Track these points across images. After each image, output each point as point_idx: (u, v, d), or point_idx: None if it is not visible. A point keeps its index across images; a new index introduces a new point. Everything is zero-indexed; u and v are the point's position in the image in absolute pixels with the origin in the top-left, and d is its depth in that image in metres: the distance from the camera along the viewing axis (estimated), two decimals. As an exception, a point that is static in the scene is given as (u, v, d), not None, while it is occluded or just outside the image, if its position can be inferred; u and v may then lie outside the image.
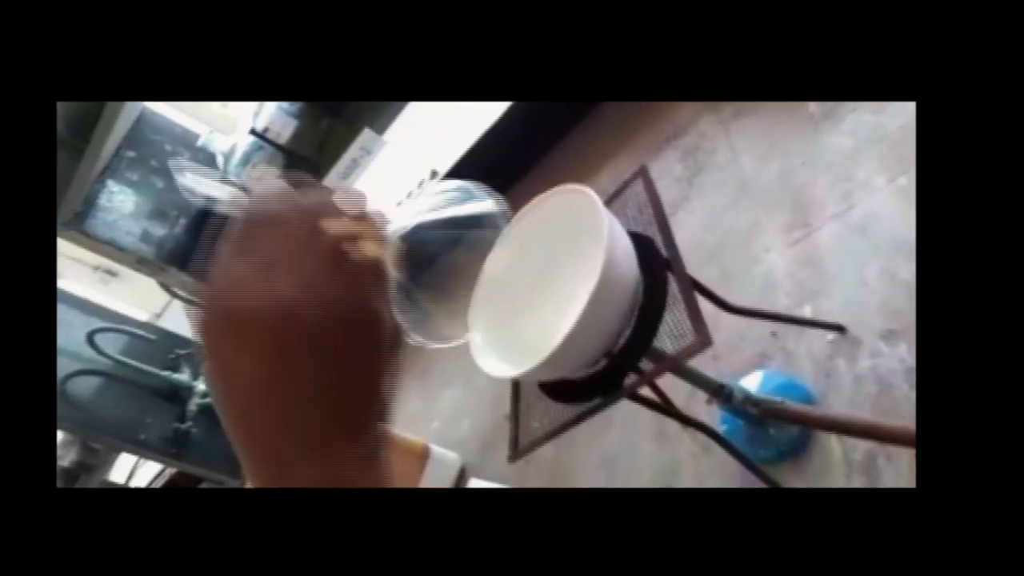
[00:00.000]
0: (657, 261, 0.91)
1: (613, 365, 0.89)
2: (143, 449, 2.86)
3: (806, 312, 1.30)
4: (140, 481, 3.64)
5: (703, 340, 0.80)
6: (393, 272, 0.35)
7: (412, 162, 2.13)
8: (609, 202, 1.06)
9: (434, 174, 2.37)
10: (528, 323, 0.96)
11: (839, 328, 1.22)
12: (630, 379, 0.91)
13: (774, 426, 1.19)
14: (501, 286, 0.96)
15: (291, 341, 0.30)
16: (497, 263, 0.95)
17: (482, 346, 0.95)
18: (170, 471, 3.28)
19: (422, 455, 1.85)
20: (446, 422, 2.10)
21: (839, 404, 1.17)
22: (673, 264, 0.90)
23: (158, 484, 3.32)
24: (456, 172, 2.29)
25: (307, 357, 0.30)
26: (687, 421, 1.09)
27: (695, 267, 1.11)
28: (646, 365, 0.91)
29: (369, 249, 0.32)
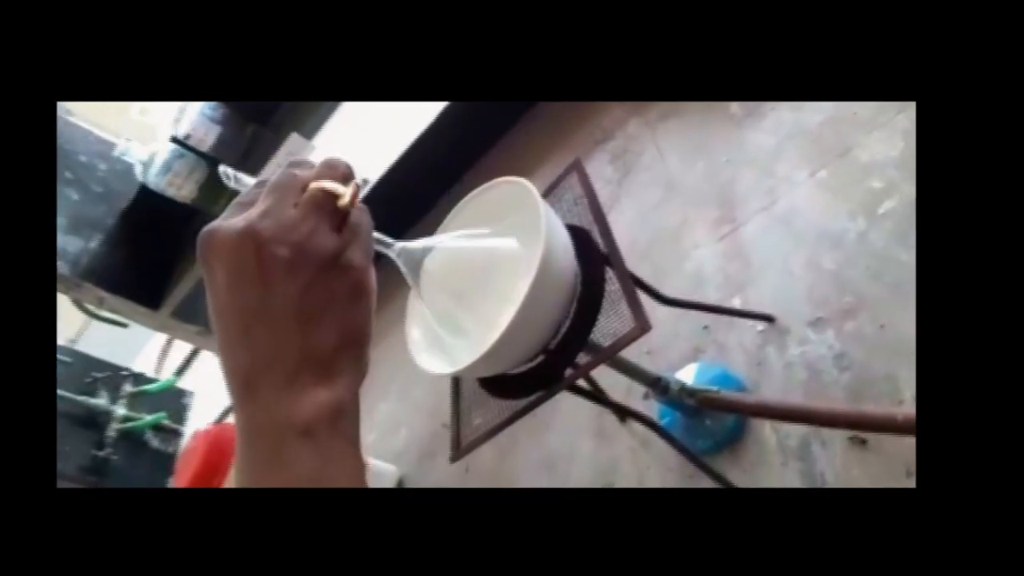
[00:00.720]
0: (594, 253, 0.92)
1: (552, 358, 0.89)
2: (60, 479, 2.68)
3: (735, 303, 1.34)
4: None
5: (642, 325, 0.80)
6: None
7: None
8: (546, 195, 1.06)
9: (365, 182, 2.33)
10: (466, 318, 0.95)
11: (768, 318, 1.25)
12: (569, 372, 0.91)
13: (710, 416, 1.21)
14: (439, 281, 0.94)
15: (247, 255, 0.34)
16: (435, 258, 0.94)
17: (420, 344, 0.93)
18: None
19: (359, 467, 1.80)
20: (382, 434, 2.06)
21: (771, 392, 1.20)
22: (611, 256, 0.90)
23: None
24: (390, 176, 2.27)
25: (262, 274, 0.34)
26: (626, 412, 1.10)
27: (628, 265, 1.12)
28: (585, 358, 0.91)
29: (345, 200, 0.36)
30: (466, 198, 0.99)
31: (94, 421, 2.81)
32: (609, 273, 0.93)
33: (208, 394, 3.04)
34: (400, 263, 0.55)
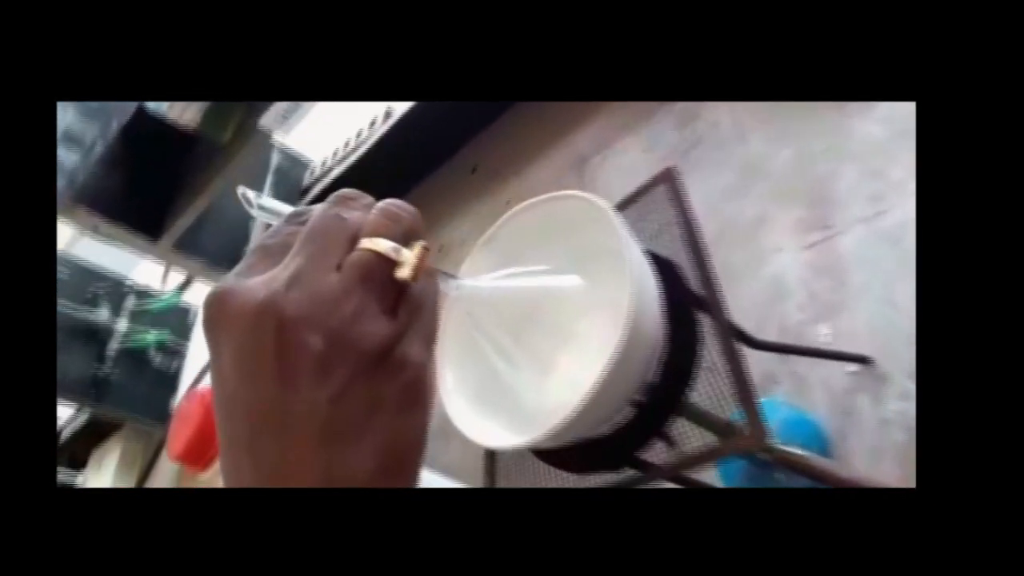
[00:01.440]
0: (685, 299, 0.72)
1: (628, 433, 0.71)
2: (59, 393, 2.59)
3: (821, 332, 1.14)
4: (60, 412, 3.37)
5: (758, 436, 0.61)
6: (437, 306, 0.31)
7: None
8: (622, 207, 0.84)
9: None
10: (514, 369, 0.76)
11: (864, 360, 1.05)
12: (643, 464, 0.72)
13: (784, 472, 1.04)
14: (477, 318, 0.75)
15: (266, 339, 0.25)
16: (465, 287, 0.73)
17: (456, 395, 0.74)
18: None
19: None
20: (395, 399, 1.91)
21: (859, 450, 1.02)
22: (711, 306, 0.70)
23: (79, 421, 3.07)
24: (364, 160, 2.07)
25: (283, 369, 0.25)
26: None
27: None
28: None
29: (405, 271, 0.28)
30: (522, 206, 0.78)
31: (95, 336, 2.69)
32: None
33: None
34: (458, 302, 0.49)
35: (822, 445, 1.08)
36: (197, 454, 1.41)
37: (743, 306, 1.22)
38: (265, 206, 0.41)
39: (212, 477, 1.45)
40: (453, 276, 0.66)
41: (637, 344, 0.66)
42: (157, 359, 2.85)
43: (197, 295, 2.95)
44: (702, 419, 0.80)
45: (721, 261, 1.29)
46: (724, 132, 1.49)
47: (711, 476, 1.03)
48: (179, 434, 1.42)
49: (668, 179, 0.79)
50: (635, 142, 1.66)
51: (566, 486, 0.81)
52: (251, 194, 0.44)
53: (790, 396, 1.13)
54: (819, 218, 1.23)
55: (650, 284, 0.69)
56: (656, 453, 0.76)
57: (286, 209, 0.40)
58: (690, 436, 0.79)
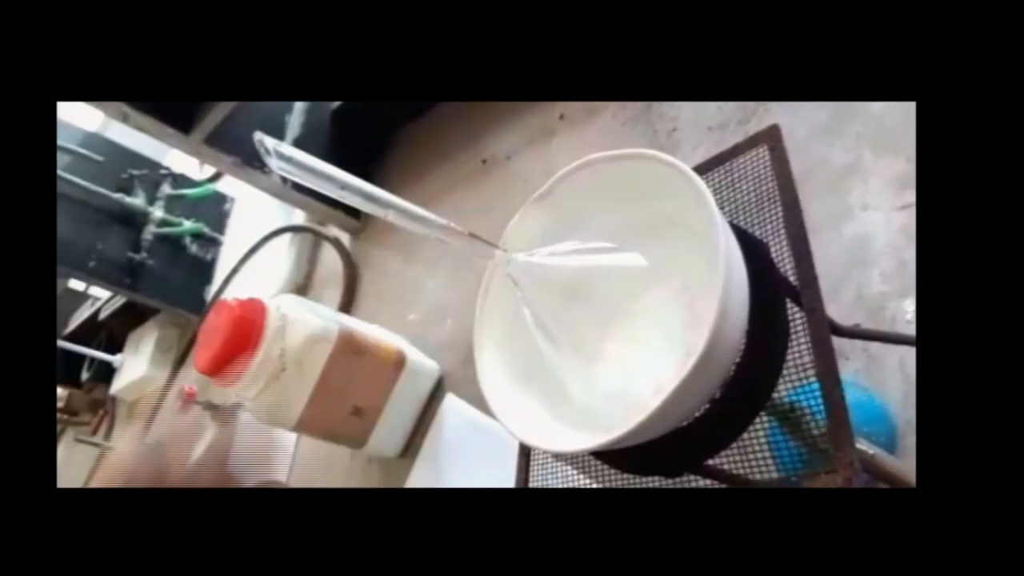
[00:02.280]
0: (777, 289, 0.60)
1: (696, 436, 0.61)
2: (93, 278, 2.59)
3: (906, 307, 1.01)
4: (98, 292, 3.42)
5: (846, 476, 0.51)
6: None
7: None
8: (703, 171, 0.71)
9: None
10: (562, 352, 0.66)
11: (954, 347, 0.93)
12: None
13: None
14: (526, 294, 0.64)
15: None
16: (516, 262, 0.62)
17: (496, 383, 0.65)
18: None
19: (397, 363, 1.60)
20: (426, 319, 1.84)
21: (932, 445, 0.92)
22: (806, 308, 0.58)
23: (116, 303, 3.10)
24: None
25: None
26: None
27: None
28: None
29: None
30: (583, 161, 0.66)
31: (130, 221, 2.65)
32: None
33: (249, 200, 2.83)
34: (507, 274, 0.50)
35: (889, 434, 0.98)
36: (224, 369, 1.36)
37: (818, 265, 1.09)
38: (284, 154, 0.38)
39: (239, 391, 1.41)
40: (503, 249, 0.55)
41: (721, 344, 0.55)
42: (193, 247, 2.82)
43: (232, 186, 2.88)
44: (774, 412, 0.70)
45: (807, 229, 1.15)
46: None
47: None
48: (205, 347, 1.37)
49: (771, 140, 0.65)
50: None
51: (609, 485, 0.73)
52: (268, 142, 0.40)
53: (860, 376, 1.02)
54: (921, 174, 1.07)
55: (740, 274, 0.57)
56: (722, 460, 0.67)
57: (310, 161, 0.39)
58: (759, 437, 0.70)
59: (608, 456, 0.66)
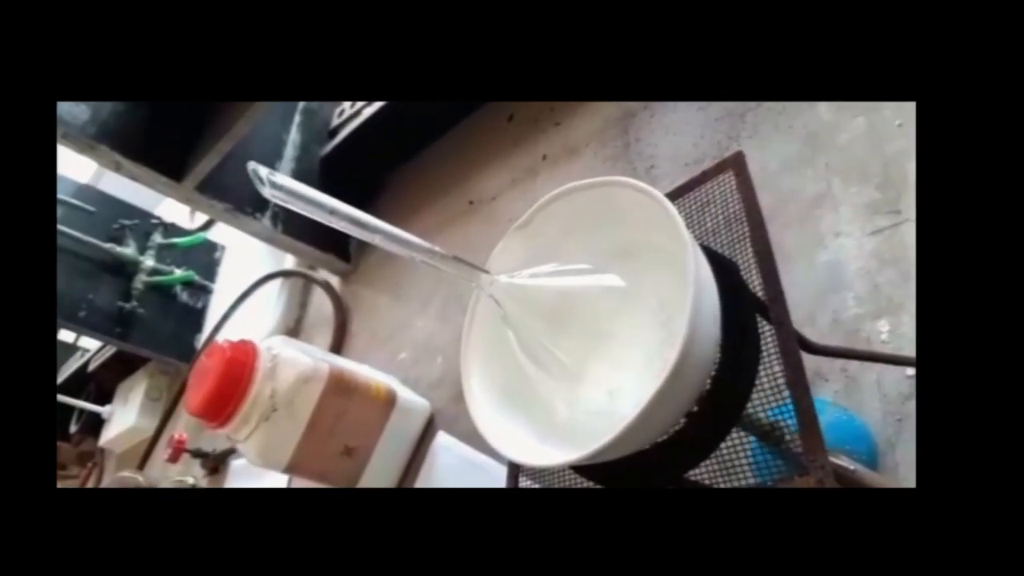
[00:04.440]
0: (747, 307, 0.63)
1: (676, 449, 0.63)
2: (83, 327, 2.60)
3: (881, 328, 1.04)
4: (87, 343, 3.41)
5: (818, 478, 0.53)
6: None
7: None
8: (674, 197, 0.75)
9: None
10: (546, 372, 0.69)
11: (927, 364, 0.96)
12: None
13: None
14: (510, 316, 0.67)
15: None
16: (499, 284, 0.66)
17: (482, 400, 0.67)
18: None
19: (387, 401, 1.61)
20: (416, 357, 1.86)
21: (910, 461, 0.94)
22: (774, 321, 0.62)
23: (106, 354, 3.09)
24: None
25: None
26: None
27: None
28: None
29: None
30: (563, 190, 0.69)
31: (121, 270, 2.67)
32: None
33: (239, 248, 2.86)
34: (490, 295, 0.51)
35: (870, 452, 1.00)
36: (215, 411, 1.37)
37: (794, 293, 1.12)
38: (278, 184, 0.39)
39: (230, 432, 1.41)
40: (487, 271, 0.59)
41: (693, 358, 0.58)
42: (183, 296, 2.84)
43: (223, 233, 2.91)
44: (756, 430, 0.72)
45: (773, 241, 1.19)
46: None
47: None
48: (196, 389, 1.38)
49: (736, 166, 0.69)
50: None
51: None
52: (263, 171, 0.42)
53: (839, 396, 1.04)
54: (889, 201, 1.11)
55: (711, 293, 0.60)
56: (700, 472, 0.69)
57: (301, 188, 0.40)
58: (736, 446, 0.72)
59: (590, 471, 0.68)
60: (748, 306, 0.63)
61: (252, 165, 0.41)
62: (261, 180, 0.43)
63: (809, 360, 1.06)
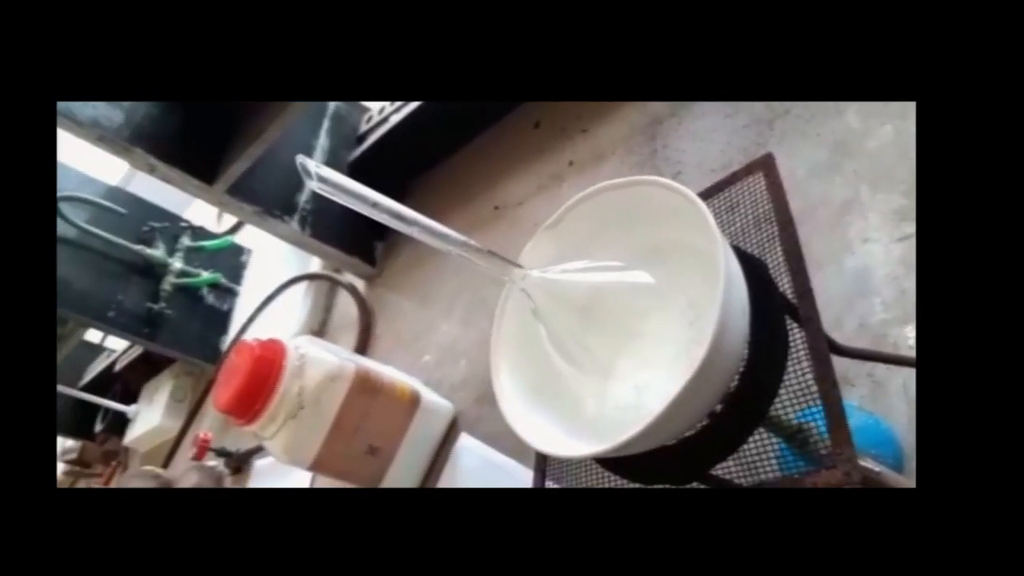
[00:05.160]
0: (776, 306, 0.64)
1: (702, 446, 0.64)
2: (112, 327, 2.64)
3: (907, 334, 1.04)
4: (113, 343, 3.47)
5: (846, 472, 0.53)
6: None
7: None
8: (706, 196, 0.76)
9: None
10: (576, 366, 0.70)
11: (956, 370, 0.95)
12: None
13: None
14: (541, 311, 0.68)
15: None
16: (531, 279, 0.67)
17: (512, 393, 0.68)
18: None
19: (411, 402, 1.63)
20: (440, 360, 1.87)
21: (939, 467, 0.93)
22: (805, 322, 0.62)
23: (133, 354, 3.15)
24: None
25: None
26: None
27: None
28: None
29: None
30: (593, 189, 0.71)
31: (150, 272, 2.72)
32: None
33: (265, 250, 2.90)
34: (523, 289, 0.51)
35: (896, 457, 0.99)
36: (243, 407, 1.39)
37: (822, 298, 1.11)
38: (325, 177, 0.40)
39: (257, 429, 1.44)
40: (519, 265, 0.60)
41: (722, 355, 0.58)
42: (210, 298, 2.88)
43: (250, 237, 2.96)
44: (782, 431, 0.73)
45: (802, 244, 1.19)
46: (816, 102, 1.37)
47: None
48: (225, 386, 1.40)
49: (766, 168, 0.69)
50: (715, 107, 1.54)
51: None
52: (310, 164, 0.43)
53: (865, 401, 1.04)
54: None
55: (740, 289, 0.61)
56: (727, 467, 0.69)
57: (346, 181, 0.41)
58: (761, 444, 0.72)
59: (616, 465, 0.69)
60: (777, 305, 0.64)
61: (300, 158, 0.42)
62: (308, 173, 0.45)
63: (836, 364, 1.05)
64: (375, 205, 0.52)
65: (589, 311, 0.70)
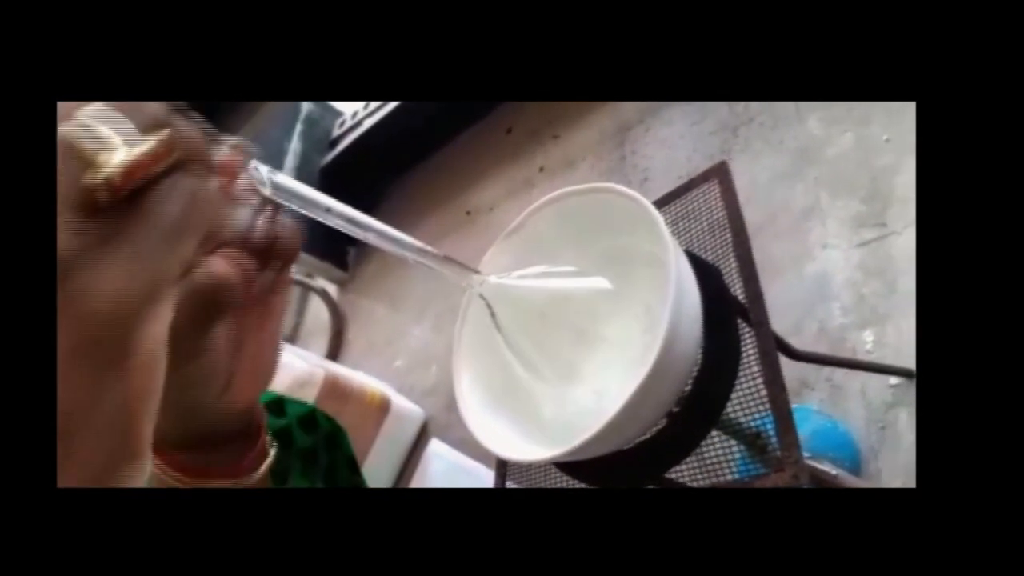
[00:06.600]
0: (728, 310, 0.65)
1: (657, 449, 0.65)
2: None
3: (866, 338, 1.06)
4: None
5: (794, 475, 0.55)
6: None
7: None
8: (665, 203, 0.77)
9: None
10: (535, 372, 0.71)
11: (909, 373, 0.98)
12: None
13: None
14: (499, 317, 0.69)
15: None
16: (489, 284, 0.68)
17: (472, 399, 0.69)
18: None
19: (381, 409, 1.63)
20: (411, 366, 1.87)
21: (893, 468, 0.96)
22: (754, 322, 0.64)
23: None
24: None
25: None
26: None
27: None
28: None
29: (96, 175, 0.19)
30: (552, 196, 0.72)
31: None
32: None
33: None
34: (480, 295, 0.50)
35: (853, 459, 1.01)
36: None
37: (782, 303, 1.15)
38: (280, 184, 0.38)
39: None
40: (476, 271, 0.61)
41: (674, 358, 0.60)
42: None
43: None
44: (735, 433, 0.74)
45: (762, 252, 1.22)
46: (780, 110, 1.39)
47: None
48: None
49: (720, 175, 0.71)
50: (682, 114, 1.57)
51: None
52: (263, 169, 0.40)
53: (824, 405, 1.06)
54: (875, 214, 1.14)
55: (692, 294, 0.62)
56: (682, 471, 0.71)
57: (304, 190, 0.36)
58: (717, 447, 0.74)
59: (575, 468, 0.70)
60: (730, 310, 0.65)
61: (253, 163, 0.42)
62: (262, 181, 0.43)
63: (795, 369, 1.08)
64: (328, 210, 0.52)
65: (546, 315, 0.71)
